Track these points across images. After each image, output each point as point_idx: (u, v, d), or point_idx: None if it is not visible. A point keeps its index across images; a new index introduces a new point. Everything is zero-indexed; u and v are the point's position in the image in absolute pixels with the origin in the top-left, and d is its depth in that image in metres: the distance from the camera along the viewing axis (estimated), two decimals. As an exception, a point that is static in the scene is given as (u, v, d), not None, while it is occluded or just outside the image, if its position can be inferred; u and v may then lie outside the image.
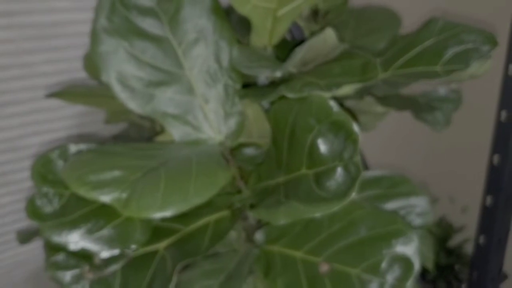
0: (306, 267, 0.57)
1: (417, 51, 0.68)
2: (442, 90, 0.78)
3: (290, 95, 0.50)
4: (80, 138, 0.84)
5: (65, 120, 0.91)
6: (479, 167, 1.24)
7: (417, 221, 0.69)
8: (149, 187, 0.42)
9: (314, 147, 0.49)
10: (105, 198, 0.42)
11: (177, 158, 0.49)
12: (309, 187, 0.48)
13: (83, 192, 0.42)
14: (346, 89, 0.50)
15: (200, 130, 0.58)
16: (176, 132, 0.57)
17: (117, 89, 0.55)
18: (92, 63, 0.65)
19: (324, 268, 0.57)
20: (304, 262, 0.58)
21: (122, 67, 0.55)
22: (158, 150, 0.51)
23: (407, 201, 0.68)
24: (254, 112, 0.58)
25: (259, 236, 0.57)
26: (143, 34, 0.56)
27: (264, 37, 0.63)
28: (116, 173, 0.44)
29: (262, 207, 0.50)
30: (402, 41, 0.71)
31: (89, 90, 0.66)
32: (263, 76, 0.57)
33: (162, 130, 0.62)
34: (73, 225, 0.49)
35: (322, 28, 0.69)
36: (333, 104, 0.47)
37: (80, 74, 0.88)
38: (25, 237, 0.74)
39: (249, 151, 0.60)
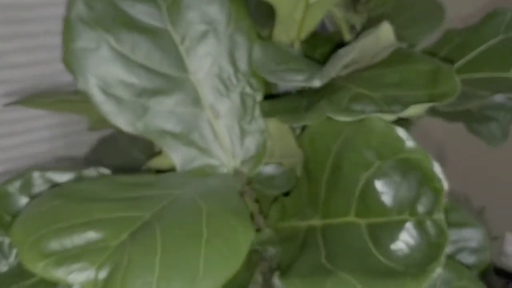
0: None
1: (480, 52, 0.54)
2: (498, 97, 0.64)
3: (340, 117, 0.36)
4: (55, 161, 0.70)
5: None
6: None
7: (470, 259, 0.56)
8: (139, 261, 0.29)
9: (370, 189, 0.35)
10: (76, 278, 0.28)
11: (179, 204, 0.35)
12: (363, 244, 0.35)
13: (41, 269, 0.28)
14: (415, 110, 0.36)
15: (208, 154, 0.44)
16: (177, 156, 0.44)
17: (98, 99, 0.41)
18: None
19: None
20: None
21: (105, 69, 0.41)
22: (152, 188, 0.38)
23: (459, 234, 0.55)
24: (277, 128, 0.44)
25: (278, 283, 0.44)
26: (134, 25, 0.42)
27: (292, 29, 0.48)
28: (92, 235, 0.30)
29: (296, 275, 0.36)
30: (458, 37, 0.57)
31: (64, 97, 0.51)
32: (293, 84, 0.43)
33: (159, 150, 0.48)
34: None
35: (363, 18, 0.55)
36: (403, 133, 0.33)
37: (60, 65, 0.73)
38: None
39: (269, 170, 0.47)
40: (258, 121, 0.44)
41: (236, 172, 0.44)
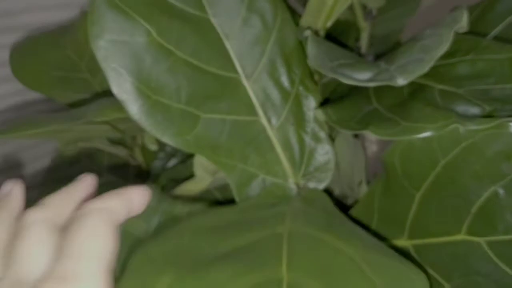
0: None
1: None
2: None
3: (470, 126, 0.31)
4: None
5: None
6: None
7: None
8: None
9: (494, 205, 0.31)
10: None
11: (307, 247, 0.27)
12: (486, 264, 0.31)
13: None
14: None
15: (267, 169, 0.36)
16: (232, 175, 0.35)
17: (140, 108, 0.31)
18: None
19: None
20: None
21: (147, 69, 0.32)
22: (249, 231, 0.29)
23: None
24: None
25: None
26: (174, 13, 0.33)
27: (321, 17, 0.43)
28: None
29: None
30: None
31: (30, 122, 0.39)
32: (360, 83, 0.37)
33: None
34: None
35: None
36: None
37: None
38: None
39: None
40: (318, 128, 0.38)
41: (300, 188, 0.37)
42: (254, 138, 0.36)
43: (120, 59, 0.31)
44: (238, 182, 0.35)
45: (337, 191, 0.44)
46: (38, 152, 0.64)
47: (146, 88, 0.32)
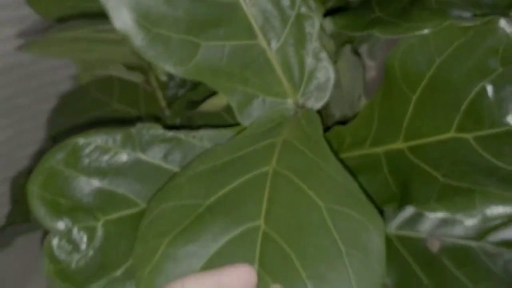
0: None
1: None
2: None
3: (464, 23, 0.32)
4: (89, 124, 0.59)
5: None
6: None
7: None
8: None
9: (482, 100, 0.33)
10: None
11: (284, 197, 0.31)
12: (477, 159, 0.33)
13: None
14: None
15: (266, 90, 0.39)
16: (233, 97, 0.38)
17: (142, 41, 0.34)
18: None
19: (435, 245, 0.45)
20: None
21: (146, 1, 0.33)
22: (236, 170, 0.32)
23: None
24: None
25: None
26: None
27: None
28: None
29: (430, 199, 0.33)
30: None
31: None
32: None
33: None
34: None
35: None
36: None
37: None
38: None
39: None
40: (319, 48, 0.39)
41: (299, 107, 0.40)
42: (254, 61, 0.38)
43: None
44: (239, 103, 0.38)
45: (338, 114, 0.46)
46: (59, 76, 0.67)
47: (146, 22, 0.33)
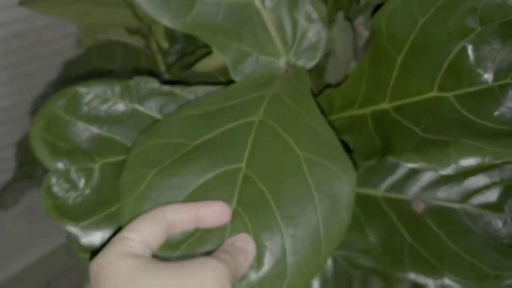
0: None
1: None
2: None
3: None
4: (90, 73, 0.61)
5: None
6: None
7: None
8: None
9: (462, 59, 0.34)
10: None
11: (267, 145, 0.33)
12: (457, 116, 0.35)
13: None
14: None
15: (260, 48, 0.40)
16: (227, 53, 0.39)
17: (140, -6, 0.35)
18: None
19: (420, 206, 0.47)
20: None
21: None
22: (226, 118, 0.34)
23: None
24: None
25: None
26: None
27: None
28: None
29: (401, 151, 0.35)
30: None
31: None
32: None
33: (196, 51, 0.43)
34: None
35: None
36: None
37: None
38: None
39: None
40: (311, 9, 0.41)
41: (291, 66, 0.41)
42: (248, 19, 0.39)
43: None
44: (233, 60, 0.39)
45: (333, 82, 0.47)
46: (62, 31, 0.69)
47: (144, -25, 0.35)
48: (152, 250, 0.27)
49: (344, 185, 0.31)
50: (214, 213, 0.29)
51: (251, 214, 0.30)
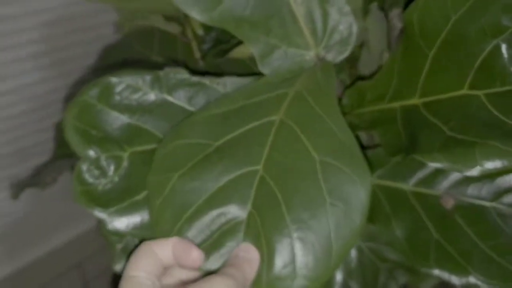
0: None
1: None
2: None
3: None
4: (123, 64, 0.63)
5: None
6: None
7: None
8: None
9: (495, 57, 0.33)
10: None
11: (284, 147, 0.33)
12: (487, 114, 0.34)
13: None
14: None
15: (289, 42, 0.40)
16: (256, 46, 0.40)
17: (171, -13, 0.36)
18: None
19: (449, 202, 0.46)
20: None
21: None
22: (245, 116, 0.35)
23: None
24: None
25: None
26: None
27: None
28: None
29: (428, 150, 0.35)
30: None
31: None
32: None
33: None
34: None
35: None
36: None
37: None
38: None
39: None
40: (343, 1, 0.40)
41: (319, 60, 0.41)
42: (278, 12, 0.39)
43: None
44: (261, 53, 0.40)
45: (366, 73, 0.47)
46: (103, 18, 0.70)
47: (174, -31, 0.36)
48: (159, 279, 0.30)
49: (358, 189, 0.31)
50: (189, 257, 0.31)
51: (264, 216, 0.31)
